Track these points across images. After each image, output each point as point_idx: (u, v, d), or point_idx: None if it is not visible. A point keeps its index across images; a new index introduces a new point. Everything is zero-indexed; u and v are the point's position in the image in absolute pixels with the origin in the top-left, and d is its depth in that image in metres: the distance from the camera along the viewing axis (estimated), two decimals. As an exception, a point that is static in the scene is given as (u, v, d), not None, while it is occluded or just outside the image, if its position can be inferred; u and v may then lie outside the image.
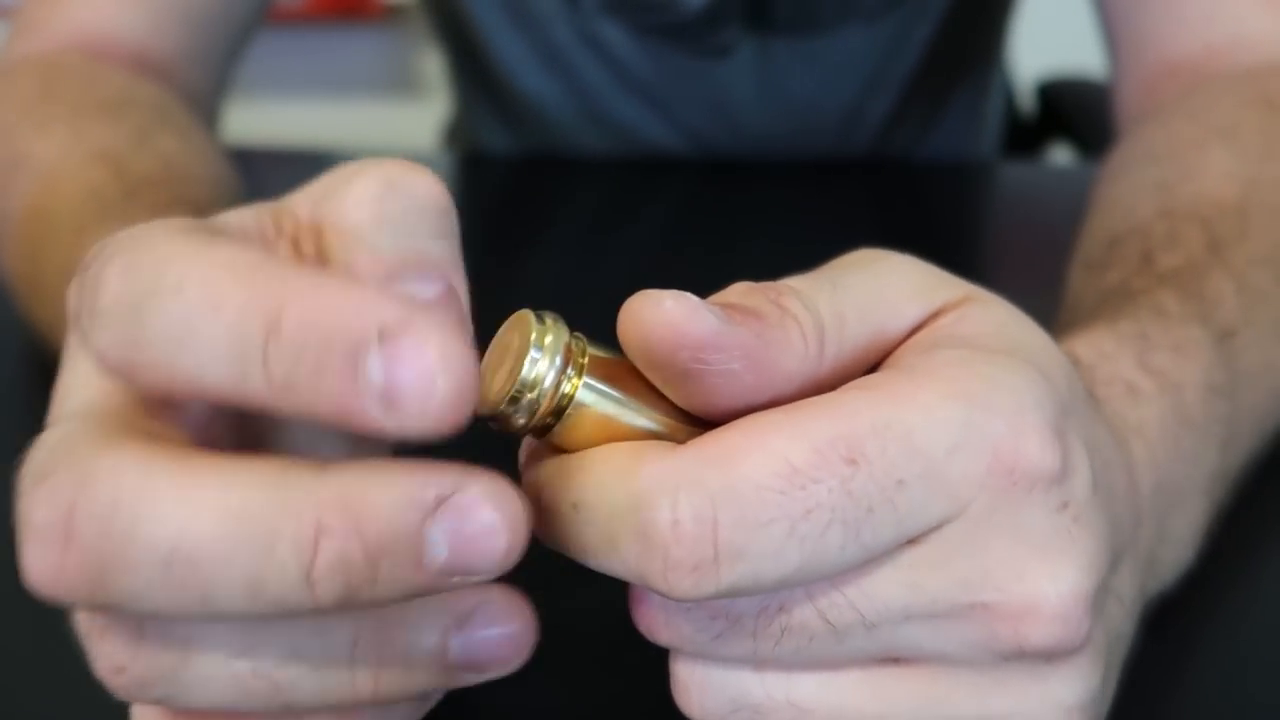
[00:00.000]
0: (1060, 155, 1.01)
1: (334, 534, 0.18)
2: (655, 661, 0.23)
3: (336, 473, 0.18)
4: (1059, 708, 0.22)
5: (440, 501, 0.18)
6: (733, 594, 0.20)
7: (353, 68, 1.91)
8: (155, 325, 0.18)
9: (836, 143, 0.72)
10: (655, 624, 0.22)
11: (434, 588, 0.19)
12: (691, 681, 0.22)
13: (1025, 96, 0.99)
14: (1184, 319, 0.32)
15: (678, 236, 0.61)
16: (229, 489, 0.18)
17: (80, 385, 0.21)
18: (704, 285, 0.23)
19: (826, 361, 0.22)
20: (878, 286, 0.23)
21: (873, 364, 0.23)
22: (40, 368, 0.43)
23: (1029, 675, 0.22)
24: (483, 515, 0.18)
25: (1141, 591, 0.26)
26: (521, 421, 0.21)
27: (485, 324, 0.24)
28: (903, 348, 0.23)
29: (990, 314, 0.23)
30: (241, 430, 0.22)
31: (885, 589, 0.21)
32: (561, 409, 0.21)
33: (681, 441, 0.21)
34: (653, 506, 0.20)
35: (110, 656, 0.20)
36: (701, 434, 0.21)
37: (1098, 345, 0.29)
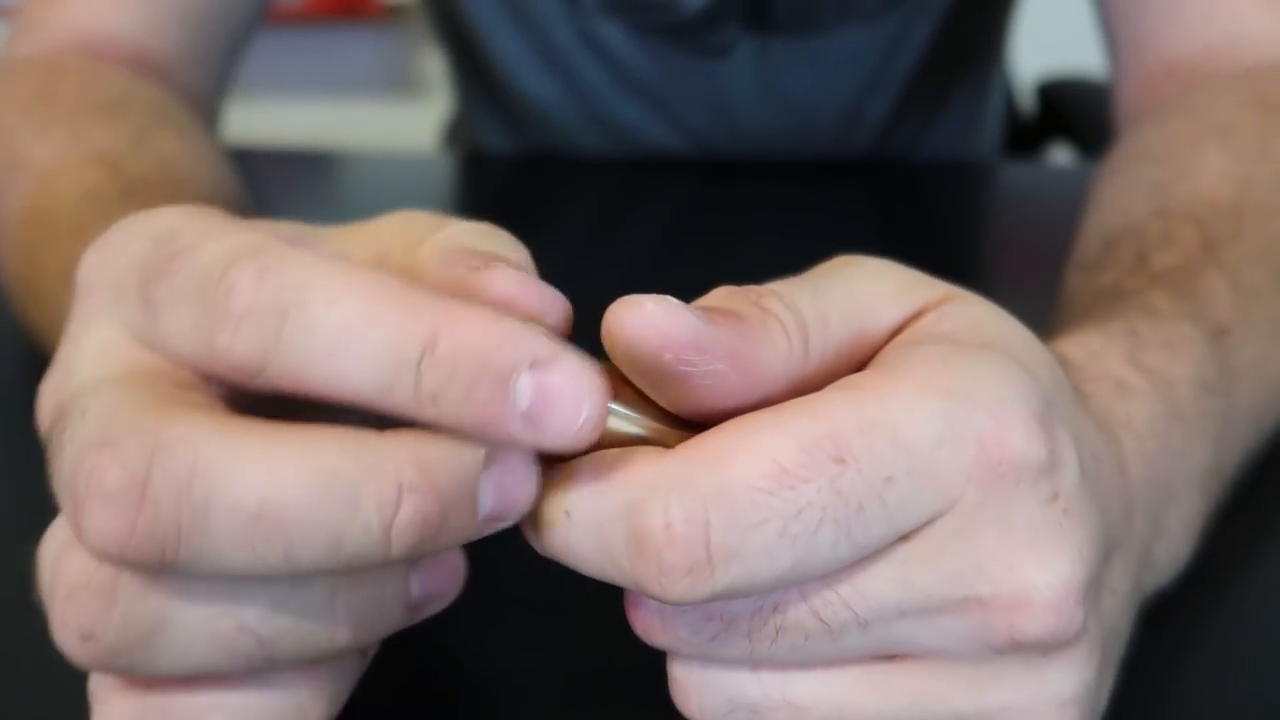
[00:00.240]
0: (1060, 155, 1.01)
1: (416, 490, 0.19)
2: (654, 662, 0.23)
3: (405, 436, 0.20)
4: (1055, 700, 0.22)
5: (490, 458, 0.20)
6: (727, 595, 0.20)
7: (353, 68, 1.91)
8: (304, 334, 0.19)
9: (836, 143, 0.72)
10: (651, 627, 0.22)
11: (478, 535, 0.21)
12: (689, 683, 0.23)
13: (1025, 96, 0.99)
14: (1175, 317, 0.32)
15: (678, 236, 0.61)
16: (312, 451, 0.19)
17: (103, 354, 0.21)
18: (704, 285, 0.23)
19: (811, 361, 0.22)
20: (858, 289, 0.23)
21: (857, 365, 0.23)
22: (40, 368, 0.43)
23: (1024, 668, 0.22)
24: (521, 467, 0.20)
25: (1136, 585, 0.26)
26: None
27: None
28: (886, 348, 0.23)
29: (970, 311, 0.23)
30: (261, 405, 0.22)
31: (878, 586, 0.21)
32: None
33: (671, 446, 0.21)
34: (645, 511, 0.20)
35: (79, 622, 0.20)
36: (691, 438, 0.21)
37: (1086, 344, 0.30)
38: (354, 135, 1.69)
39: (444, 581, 0.22)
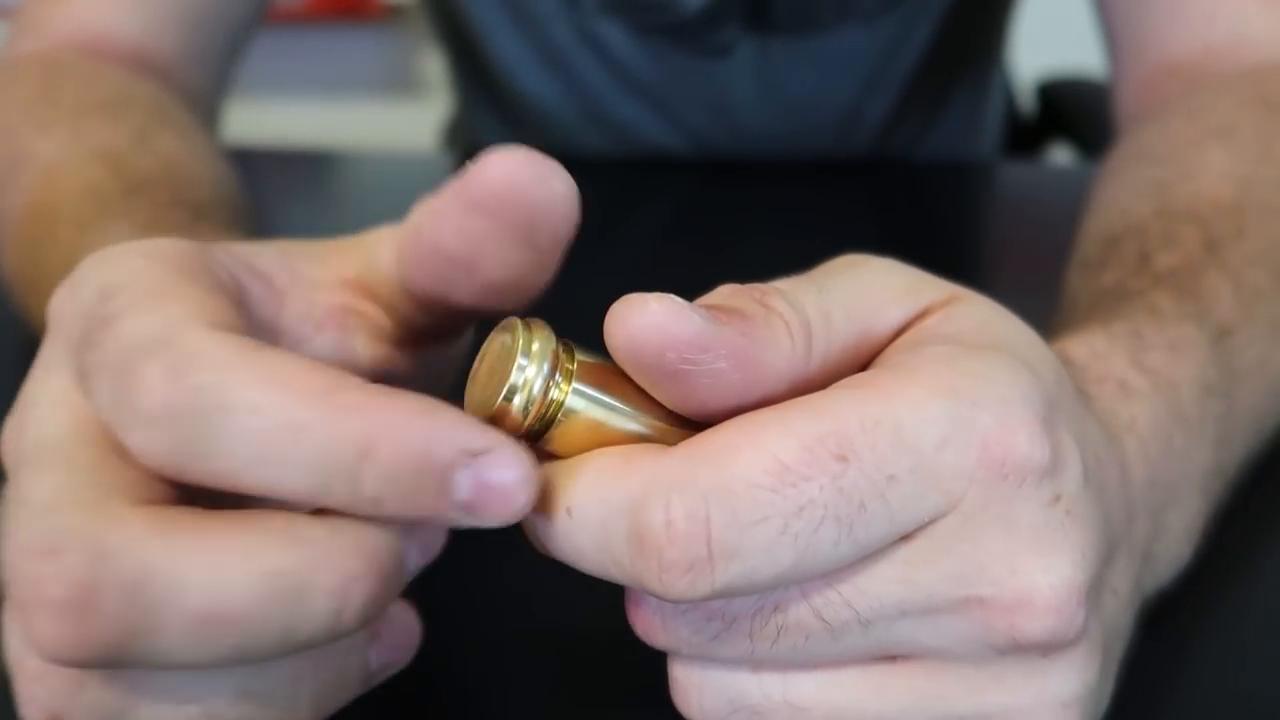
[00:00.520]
0: (1060, 155, 1.01)
1: (363, 578, 0.20)
2: (655, 663, 0.23)
3: (347, 526, 0.20)
4: (1056, 702, 0.22)
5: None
6: (728, 593, 0.20)
7: (353, 68, 1.91)
8: (228, 441, 0.19)
9: (836, 143, 0.72)
10: (652, 627, 0.22)
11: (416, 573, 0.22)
12: (690, 683, 0.22)
13: (1025, 96, 0.99)
14: (1179, 318, 0.32)
15: (678, 236, 0.61)
16: (257, 551, 0.19)
17: (55, 406, 0.21)
18: (704, 285, 0.23)
19: (814, 360, 0.22)
20: (863, 288, 0.23)
21: (861, 364, 0.23)
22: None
23: (1025, 669, 0.22)
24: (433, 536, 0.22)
25: (1138, 586, 0.26)
26: (511, 428, 0.21)
27: (482, 325, 0.24)
28: (890, 348, 0.23)
29: (975, 312, 0.23)
30: None
31: (879, 585, 0.21)
32: (552, 415, 0.21)
33: (673, 444, 0.21)
34: (646, 508, 0.20)
35: (46, 703, 0.20)
36: (693, 436, 0.21)
37: (1090, 345, 0.30)
38: (354, 135, 1.69)
39: (400, 648, 0.23)
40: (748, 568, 0.20)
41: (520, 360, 0.21)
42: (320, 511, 0.20)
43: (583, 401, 0.21)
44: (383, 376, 0.25)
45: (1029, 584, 0.21)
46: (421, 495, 0.19)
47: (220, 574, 0.19)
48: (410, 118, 1.61)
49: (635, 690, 0.27)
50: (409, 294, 0.24)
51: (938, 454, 0.20)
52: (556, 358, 0.21)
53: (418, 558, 0.22)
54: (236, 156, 0.50)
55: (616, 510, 0.20)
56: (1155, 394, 0.29)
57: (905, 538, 0.21)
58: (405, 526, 0.21)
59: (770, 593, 0.21)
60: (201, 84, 0.57)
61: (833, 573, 0.21)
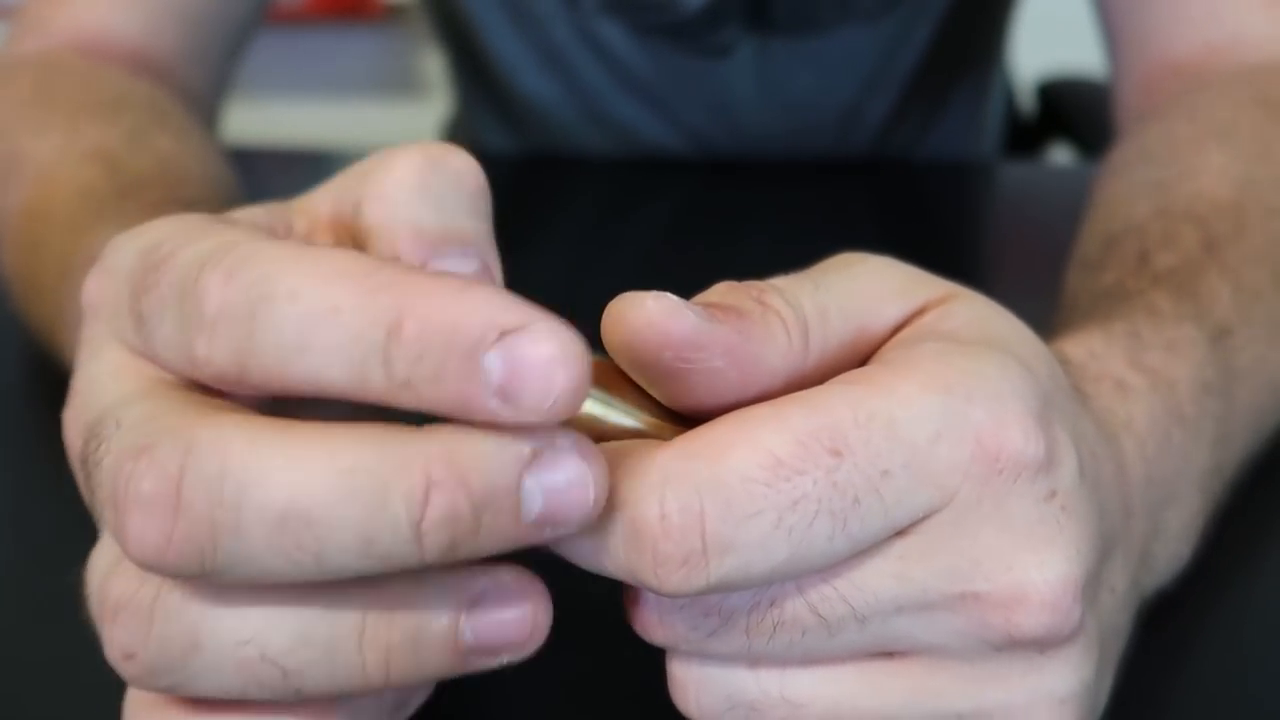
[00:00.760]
0: (1060, 155, 1.01)
1: (443, 487, 0.18)
2: (654, 661, 0.23)
3: (438, 431, 0.19)
4: (1052, 698, 0.22)
5: (536, 455, 0.19)
6: (723, 587, 0.20)
7: (353, 68, 1.91)
8: (272, 331, 0.19)
9: (836, 142, 0.72)
10: (650, 623, 0.22)
11: (529, 540, 0.19)
12: (688, 680, 0.23)
13: (1025, 96, 0.99)
14: (1177, 318, 0.32)
15: (678, 236, 0.61)
16: (338, 450, 0.18)
17: (119, 375, 0.21)
18: (704, 285, 0.23)
19: (811, 357, 0.22)
20: (860, 285, 0.23)
21: (858, 361, 0.23)
22: (39, 367, 0.43)
23: (1022, 666, 0.22)
24: (573, 466, 0.19)
25: (1136, 585, 0.26)
26: None
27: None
28: (886, 345, 0.23)
29: (971, 309, 0.23)
30: (287, 413, 0.22)
31: (875, 581, 0.21)
32: None
33: (669, 440, 0.21)
34: (640, 502, 0.20)
35: (122, 642, 0.20)
36: (688, 432, 0.21)
37: (1088, 344, 0.30)
38: (354, 135, 1.69)
39: (507, 630, 0.21)
40: (742, 562, 0.20)
41: None
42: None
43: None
44: None
45: (1024, 579, 0.21)
46: (450, 376, 0.18)
47: (299, 469, 0.18)
48: (410, 118, 1.62)
49: (633, 687, 0.27)
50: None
51: (931, 449, 0.21)
52: None
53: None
54: (236, 156, 0.50)
55: (612, 505, 0.20)
56: (1153, 393, 0.29)
57: (900, 533, 0.21)
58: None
59: (766, 588, 0.21)
60: (201, 84, 0.57)
61: (828, 568, 0.21)
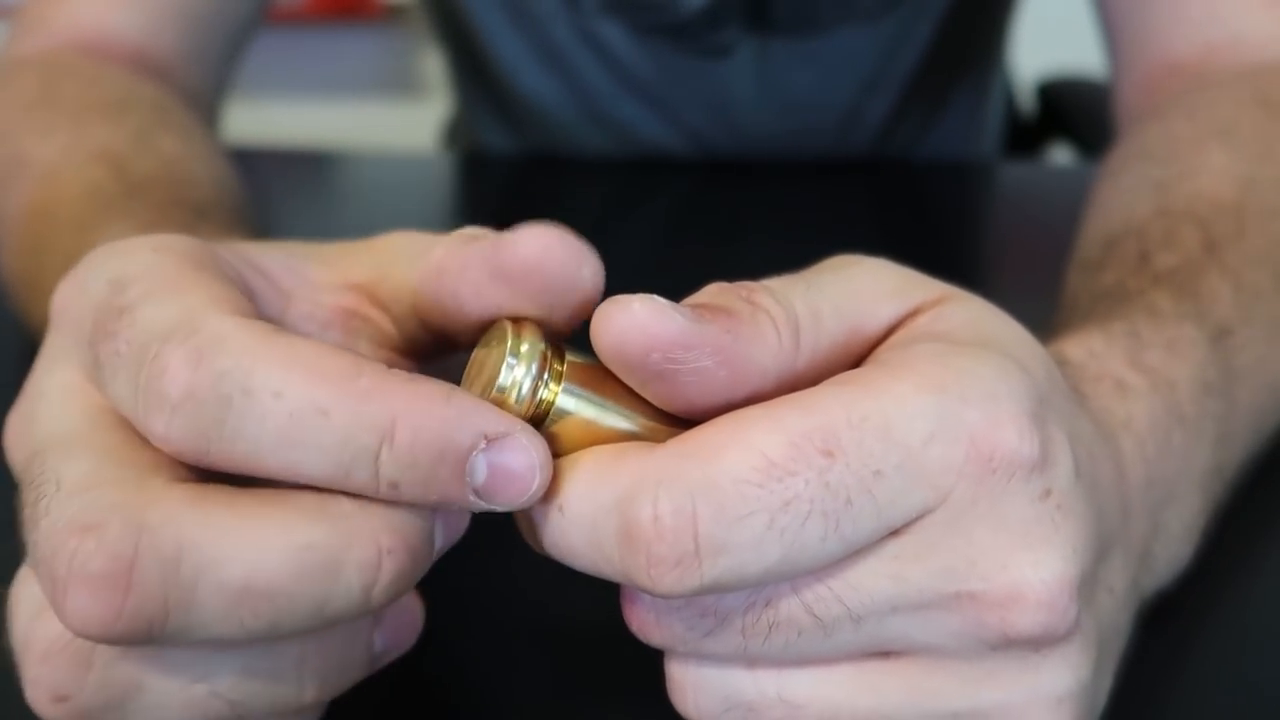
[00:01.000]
0: (1060, 155, 1.01)
1: (394, 553, 0.20)
2: (652, 662, 0.23)
3: (376, 505, 0.20)
4: (1049, 697, 0.22)
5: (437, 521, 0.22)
6: (717, 588, 0.20)
7: (353, 68, 1.91)
8: (251, 426, 0.19)
9: (836, 142, 0.72)
10: (646, 624, 0.22)
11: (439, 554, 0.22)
12: (686, 680, 0.23)
13: (1025, 96, 0.99)
14: (1178, 318, 0.32)
15: (678, 236, 0.61)
16: (293, 526, 0.19)
17: (66, 399, 0.22)
18: (703, 285, 0.23)
19: (803, 357, 0.22)
20: (854, 286, 0.23)
21: (852, 362, 0.23)
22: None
23: (1018, 665, 0.22)
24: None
25: (1135, 585, 0.26)
26: None
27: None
28: (881, 346, 0.23)
29: (966, 310, 0.23)
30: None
31: (870, 581, 0.21)
32: (542, 415, 0.22)
33: (663, 442, 0.21)
34: (634, 504, 0.20)
35: (52, 684, 0.20)
36: (681, 433, 0.21)
37: (1087, 344, 0.30)
38: (354, 135, 1.69)
39: (404, 632, 0.23)
40: (735, 562, 0.20)
41: (509, 360, 0.21)
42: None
43: (573, 401, 0.22)
44: None
45: (1019, 579, 0.21)
46: (439, 480, 0.20)
47: (257, 548, 0.19)
48: (410, 118, 1.62)
49: (632, 687, 0.27)
50: (417, 313, 0.24)
51: (925, 449, 0.21)
52: (545, 358, 0.22)
53: (443, 538, 0.22)
54: (237, 156, 0.50)
55: (606, 507, 0.21)
56: (1153, 393, 0.29)
57: (895, 533, 0.21)
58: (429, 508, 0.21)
59: (762, 589, 0.21)
60: (201, 84, 0.57)
61: (823, 568, 0.21)
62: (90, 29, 0.53)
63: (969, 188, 0.71)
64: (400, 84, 1.92)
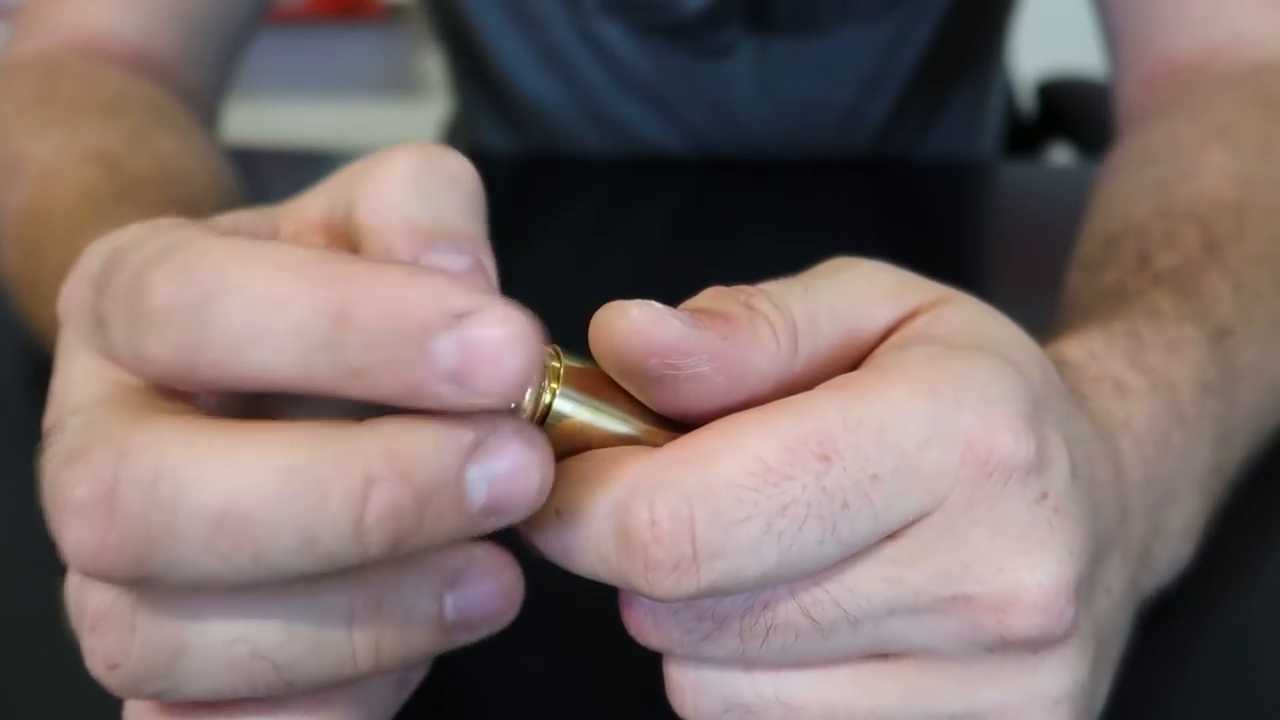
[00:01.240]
0: (1060, 155, 1.01)
1: (383, 482, 0.18)
2: (651, 664, 0.23)
3: (379, 425, 0.19)
4: (1047, 699, 0.22)
5: (477, 445, 0.19)
6: (714, 592, 0.20)
7: (353, 68, 1.91)
8: (220, 326, 0.18)
9: (836, 142, 0.72)
10: (644, 627, 0.22)
11: (475, 530, 0.19)
12: (684, 683, 0.23)
13: (1025, 96, 0.99)
14: (1178, 318, 0.32)
15: (678, 236, 0.61)
16: (275, 449, 0.18)
17: (86, 380, 0.21)
18: (703, 285, 0.23)
19: (800, 360, 0.22)
20: (851, 290, 0.23)
21: (849, 366, 0.23)
22: (40, 368, 0.43)
23: (1016, 667, 0.22)
24: (516, 454, 0.19)
25: (1134, 585, 0.26)
26: None
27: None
28: (878, 349, 0.23)
29: (963, 313, 0.23)
30: (249, 412, 0.22)
31: (867, 584, 0.21)
32: (540, 420, 0.21)
33: (660, 446, 0.21)
34: (631, 508, 0.20)
35: (104, 652, 0.20)
36: (678, 438, 0.21)
37: (1087, 345, 0.30)
38: (354, 135, 1.69)
39: (488, 602, 0.21)
40: (732, 566, 0.20)
41: None
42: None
43: (570, 405, 0.22)
44: None
45: (1016, 581, 0.21)
46: (401, 363, 0.18)
47: (235, 470, 0.18)
48: (410, 118, 1.62)
49: (631, 688, 0.27)
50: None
51: (920, 453, 0.21)
52: (544, 363, 0.22)
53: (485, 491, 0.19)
54: (236, 156, 0.50)
55: (603, 511, 0.21)
56: (1153, 393, 0.29)
57: (892, 537, 0.21)
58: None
59: (759, 592, 0.21)
60: (200, 84, 0.57)
61: (820, 572, 0.21)
62: (89, 30, 0.53)
63: (969, 188, 0.71)
64: (400, 84, 1.92)
